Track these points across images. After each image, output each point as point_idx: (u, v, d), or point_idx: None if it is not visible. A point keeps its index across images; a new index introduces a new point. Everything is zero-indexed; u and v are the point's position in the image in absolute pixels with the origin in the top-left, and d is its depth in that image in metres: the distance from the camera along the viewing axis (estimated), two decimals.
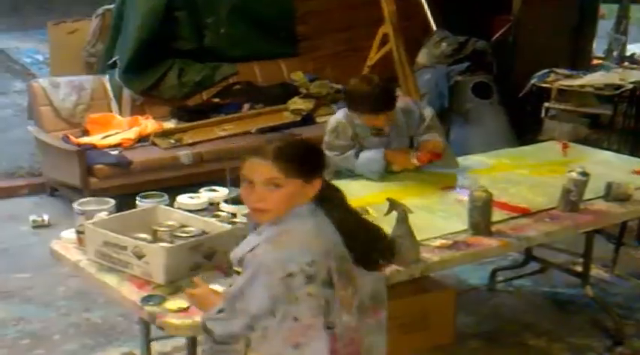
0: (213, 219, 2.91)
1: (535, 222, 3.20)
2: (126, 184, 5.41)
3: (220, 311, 2.14)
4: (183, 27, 6.47)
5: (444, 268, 3.05)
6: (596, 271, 4.48)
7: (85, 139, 5.81)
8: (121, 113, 6.23)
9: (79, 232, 2.82)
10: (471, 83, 6.66)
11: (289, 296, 2.04)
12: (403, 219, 2.72)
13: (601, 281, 4.49)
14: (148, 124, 6.06)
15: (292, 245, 2.08)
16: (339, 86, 6.72)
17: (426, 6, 7.41)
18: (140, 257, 2.57)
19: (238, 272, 2.47)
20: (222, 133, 6.12)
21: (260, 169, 2.11)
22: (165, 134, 5.99)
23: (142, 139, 5.92)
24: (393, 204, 2.71)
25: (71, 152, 5.50)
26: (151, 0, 6.22)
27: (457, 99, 6.64)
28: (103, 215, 2.86)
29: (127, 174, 5.54)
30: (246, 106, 6.48)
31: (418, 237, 2.80)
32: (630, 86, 5.74)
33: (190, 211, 2.99)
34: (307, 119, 6.38)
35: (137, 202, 3.08)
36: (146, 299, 2.45)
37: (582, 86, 6.03)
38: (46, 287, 4.47)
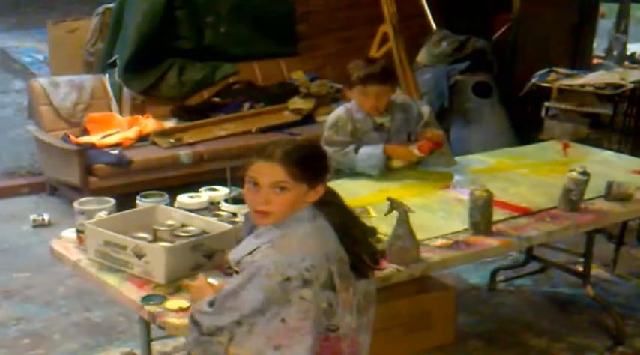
0: (213, 219, 2.91)
1: (535, 222, 3.20)
2: (126, 184, 5.41)
3: (211, 305, 2.15)
4: (183, 26, 6.46)
5: (444, 268, 3.05)
6: (596, 271, 4.48)
7: (85, 138, 5.81)
8: (121, 112, 6.23)
9: (79, 231, 2.82)
10: (471, 82, 6.66)
11: (282, 299, 2.05)
12: (404, 219, 2.72)
13: (601, 281, 4.49)
14: (148, 123, 6.06)
15: (292, 249, 2.09)
16: (339, 85, 6.72)
17: (426, 5, 7.40)
18: (140, 256, 2.57)
19: (237, 272, 2.48)
20: (223, 133, 6.11)
21: (268, 172, 2.12)
22: (166, 133, 5.99)
23: (142, 139, 5.91)
24: (394, 204, 2.71)
25: (71, 151, 5.50)
26: None
27: (457, 99, 6.64)
28: (103, 214, 2.86)
29: (127, 173, 5.54)
30: (246, 106, 6.48)
31: (419, 237, 2.80)
32: (631, 85, 5.73)
33: (190, 211, 2.99)
34: (307, 118, 6.38)
35: (137, 202, 3.08)
36: (146, 299, 2.45)
37: (583, 85, 6.01)
38: (46, 286, 4.47)
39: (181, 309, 2.39)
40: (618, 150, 5.12)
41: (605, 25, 8.50)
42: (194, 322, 2.18)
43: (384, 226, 2.83)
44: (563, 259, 4.44)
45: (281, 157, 2.11)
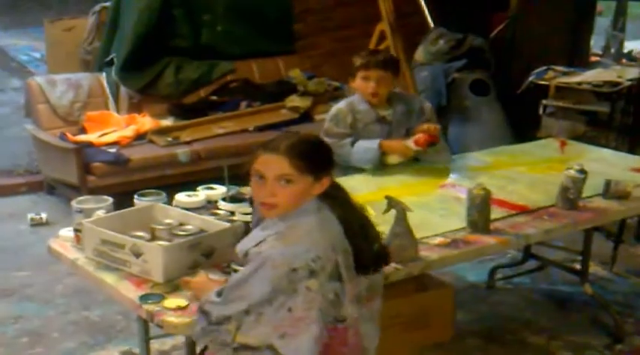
0: (211, 217, 2.91)
1: (534, 220, 3.20)
2: (123, 182, 5.41)
3: (219, 295, 2.18)
4: (180, 24, 6.45)
5: (442, 266, 3.04)
6: (595, 269, 4.48)
7: (82, 137, 5.80)
8: (118, 111, 6.22)
9: (76, 230, 2.82)
10: (468, 80, 6.65)
11: (289, 289, 2.07)
12: (402, 217, 2.72)
13: (600, 279, 4.49)
14: (146, 122, 6.06)
15: (299, 241, 2.12)
16: (337, 84, 6.73)
17: (423, 3, 7.40)
18: (138, 255, 2.57)
19: (236, 271, 2.49)
20: (220, 131, 6.11)
21: (273, 164, 2.15)
22: (163, 132, 5.98)
23: (140, 137, 5.91)
24: (392, 202, 2.71)
25: (68, 150, 5.49)
26: None
27: (455, 97, 6.63)
28: (101, 213, 2.86)
29: (125, 172, 5.53)
30: (243, 104, 6.47)
31: (417, 235, 2.80)
32: (628, 83, 5.74)
33: (188, 209, 2.99)
34: (305, 117, 6.38)
35: (135, 200, 3.08)
36: (144, 298, 2.45)
37: (580, 83, 6.02)
38: (44, 285, 4.46)
39: (179, 308, 2.38)
40: (616, 148, 5.13)
41: (602, 22, 8.51)
42: (203, 312, 2.20)
43: (383, 225, 2.82)
44: (561, 257, 4.44)
45: (286, 150, 2.14)
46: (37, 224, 5.39)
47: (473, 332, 3.91)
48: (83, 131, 5.96)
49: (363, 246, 2.25)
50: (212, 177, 3.53)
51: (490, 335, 3.90)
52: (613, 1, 8.53)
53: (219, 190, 3.26)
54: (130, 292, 2.51)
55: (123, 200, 3.16)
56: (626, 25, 8.44)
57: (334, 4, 7.24)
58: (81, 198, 3.07)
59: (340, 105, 3.85)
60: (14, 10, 10.74)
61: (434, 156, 3.81)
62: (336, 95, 6.41)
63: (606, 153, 4.34)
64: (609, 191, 3.43)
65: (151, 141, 5.88)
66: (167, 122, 6.20)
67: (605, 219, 3.58)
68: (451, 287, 3.85)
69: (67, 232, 2.91)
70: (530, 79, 6.30)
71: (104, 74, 6.29)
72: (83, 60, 6.61)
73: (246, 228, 2.86)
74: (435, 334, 3.71)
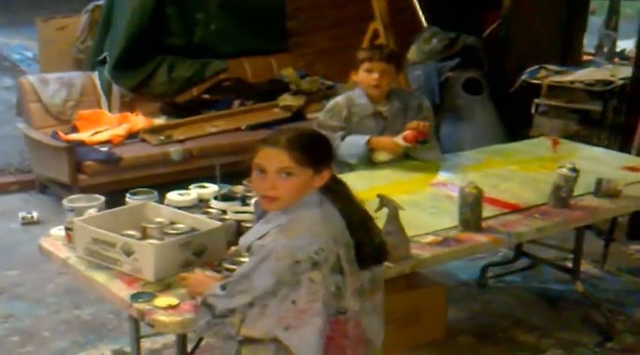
0: (203, 216, 2.90)
1: (525, 218, 3.21)
2: (115, 181, 5.41)
3: (223, 288, 2.20)
4: (173, 23, 6.44)
5: (434, 264, 3.05)
6: (586, 267, 4.49)
7: (74, 136, 5.79)
8: (110, 109, 6.21)
9: (68, 229, 2.81)
10: (461, 79, 6.66)
11: (292, 281, 2.09)
12: (394, 216, 2.72)
13: (591, 277, 4.50)
14: (138, 121, 6.05)
15: (301, 233, 2.14)
16: (330, 82, 6.73)
17: (416, 2, 7.40)
18: (129, 254, 2.56)
19: (228, 269, 2.49)
20: (213, 130, 6.10)
21: (274, 158, 2.17)
22: (155, 130, 5.97)
23: (132, 136, 5.90)
24: (384, 201, 2.71)
25: (60, 148, 5.48)
26: None
27: (448, 96, 6.64)
28: (93, 212, 2.85)
29: (117, 170, 5.52)
30: (236, 103, 6.47)
31: (408, 234, 2.80)
32: (620, 82, 5.75)
33: (180, 208, 2.98)
34: (297, 115, 6.37)
35: (126, 199, 3.07)
36: (135, 297, 2.44)
37: (572, 82, 6.03)
38: (35, 284, 4.45)
39: (170, 307, 2.38)
40: (608, 147, 5.14)
41: (595, 21, 8.53)
42: (207, 306, 2.21)
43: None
44: (552, 255, 4.45)
45: (286, 143, 2.17)
46: (28, 222, 5.38)
47: (465, 330, 3.91)
48: (75, 130, 5.94)
49: (364, 240, 2.27)
50: (204, 176, 3.53)
51: (482, 333, 3.90)
52: (606, 0, 8.55)
53: (211, 189, 3.26)
54: (121, 291, 2.50)
55: (114, 199, 3.16)
56: (618, 24, 8.47)
57: (327, 3, 7.23)
58: (72, 196, 3.07)
59: (338, 98, 3.90)
60: (6, 8, 10.70)
61: (424, 154, 3.83)
62: (328, 94, 6.41)
63: (598, 151, 4.35)
64: (601, 189, 3.44)
65: (144, 140, 5.87)
66: (159, 121, 6.19)
67: (597, 218, 3.58)
68: (443, 286, 3.87)
69: (59, 231, 2.90)
70: (523, 77, 6.31)
71: (97, 73, 6.28)
72: (76, 59, 6.59)
73: (238, 227, 2.86)
74: (427, 332, 3.72)
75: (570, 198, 3.33)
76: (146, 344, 3.49)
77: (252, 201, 2.94)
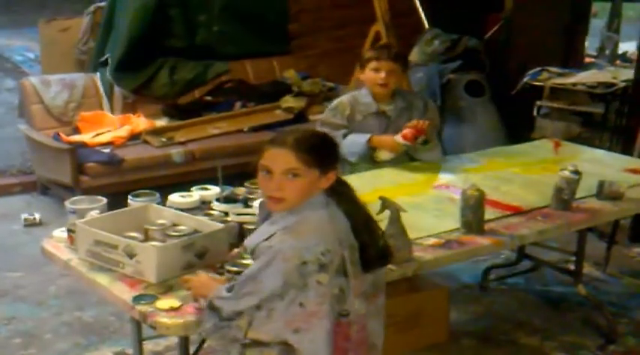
0: (205, 218, 2.90)
1: (527, 221, 3.20)
2: (117, 182, 5.40)
3: (230, 290, 2.19)
4: (175, 25, 6.45)
5: (436, 267, 3.04)
6: (588, 269, 4.49)
7: (76, 137, 5.79)
8: (112, 111, 6.21)
9: (70, 231, 2.81)
10: (463, 81, 6.66)
11: (299, 283, 2.09)
12: (396, 218, 2.72)
13: (593, 280, 4.50)
14: (140, 122, 6.05)
15: (308, 234, 2.14)
16: (332, 84, 6.73)
17: (418, 4, 7.40)
18: (131, 256, 2.56)
19: (230, 271, 2.48)
20: (215, 131, 6.10)
21: (280, 158, 2.17)
22: (157, 132, 5.97)
23: (134, 137, 5.90)
24: (386, 203, 2.71)
25: (62, 150, 5.48)
26: None
27: (449, 98, 6.64)
28: (95, 213, 2.85)
29: (119, 172, 5.53)
30: (238, 104, 6.47)
31: (411, 236, 2.80)
32: (622, 84, 5.74)
33: (182, 210, 2.98)
34: (299, 117, 6.37)
35: (129, 201, 3.07)
36: (137, 299, 2.44)
37: (574, 84, 6.03)
38: (37, 286, 4.45)
39: (172, 309, 2.38)
40: (610, 149, 5.14)
41: (597, 24, 8.53)
42: (213, 308, 2.21)
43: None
44: (555, 258, 4.44)
45: (293, 144, 2.16)
46: (30, 224, 5.38)
47: (467, 333, 3.91)
48: (77, 131, 5.94)
49: (368, 242, 2.27)
50: (206, 178, 3.53)
51: (484, 336, 3.90)
52: (608, 3, 8.54)
53: (213, 191, 3.25)
54: (124, 293, 2.50)
55: (116, 200, 3.16)
56: (620, 27, 8.47)
57: (329, 5, 7.23)
58: (74, 198, 3.07)
59: (343, 97, 3.93)
60: (8, 10, 10.72)
61: (425, 155, 3.85)
62: (330, 95, 6.40)
63: (600, 154, 4.35)
64: (603, 192, 3.44)
65: (145, 142, 5.87)
66: (161, 122, 6.20)
67: (599, 220, 3.58)
68: (445, 288, 3.87)
69: (61, 233, 2.90)
70: (525, 79, 6.30)
71: (98, 74, 6.28)
72: (78, 60, 6.59)
73: (240, 229, 2.86)
74: (429, 335, 3.72)
75: (572, 201, 3.32)
76: (148, 346, 3.48)
77: (256, 202, 2.94)
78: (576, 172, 3.29)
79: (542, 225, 3.18)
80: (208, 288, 2.32)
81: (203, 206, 3.15)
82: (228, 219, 2.96)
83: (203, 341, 3.18)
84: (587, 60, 7.55)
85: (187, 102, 6.45)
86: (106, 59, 6.26)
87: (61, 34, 6.60)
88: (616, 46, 8.40)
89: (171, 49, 6.45)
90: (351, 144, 3.75)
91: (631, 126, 5.38)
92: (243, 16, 6.73)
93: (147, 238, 2.72)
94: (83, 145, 5.64)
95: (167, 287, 2.51)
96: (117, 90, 6.23)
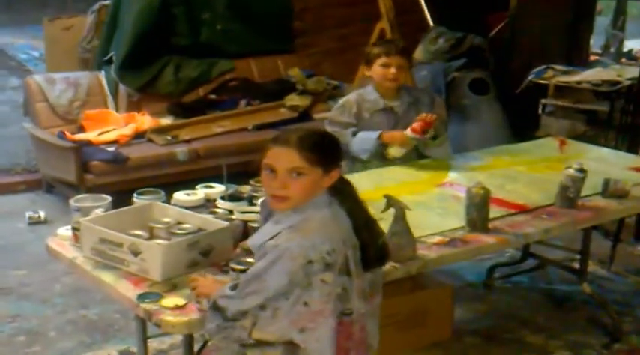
0: (209, 216, 2.90)
1: (532, 219, 3.20)
2: (122, 181, 5.41)
3: (233, 288, 2.19)
4: (180, 23, 6.45)
5: (441, 265, 3.04)
6: (593, 268, 4.48)
7: (80, 136, 5.79)
8: (117, 109, 6.22)
9: (75, 229, 2.81)
10: (467, 79, 6.65)
11: (304, 282, 2.09)
12: (400, 216, 2.72)
13: (598, 278, 4.49)
14: (144, 121, 6.05)
15: (314, 233, 2.13)
16: (336, 82, 6.72)
17: (423, 2, 7.39)
18: (136, 254, 2.56)
19: (235, 269, 2.48)
20: (219, 130, 6.10)
21: (284, 157, 2.16)
22: (162, 130, 5.98)
23: (138, 136, 5.91)
24: (391, 201, 2.71)
25: (67, 148, 5.49)
26: None
27: (454, 96, 6.64)
28: (99, 212, 2.85)
29: (123, 170, 5.53)
30: (242, 103, 6.47)
31: (415, 234, 2.80)
32: (628, 82, 5.73)
33: (187, 208, 2.98)
34: (304, 116, 6.37)
35: (133, 199, 3.07)
36: (142, 297, 2.44)
37: (579, 82, 6.02)
38: (42, 283, 4.46)
39: (177, 307, 2.38)
40: (615, 147, 5.13)
41: (602, 21, 8.50)
42: (217, 308, 2.20)
43: (382, 224, 2.81)
44: (559, 256, 4.44)
45: (296, 143, 2.16)
46: (35, 222, 5.39)
47: (471, 331, 3.91)
48: (82, 130, 5.95)
49: (369, 241, 2.27)
50: (211, 176, 3.53)
51: (488, 334, 3.90)
52: (612, 1, 8.53)
53: (218, 189, 3.26)
54: (128, 291, 2.51)
55: (121, 199, 3.16)
56: (625, 25, 8.45)
57: (334, 3, 7.23)
58: (79, 196, 3.08)
59: (349, 96, 3.94)
60: (13, 8, 10.73)
61: (435, 150, 3.85)
62: (334, 94, 6.41)
63: (605, 152, 4.34)
64: (608, 190, 3.43)
65: (150, 140, 5.87)
66: (166, 121, 6.20)
67: (604, 218, 3.58)
68: (449, 286, 3.87)
69: (66, 231, 2.91)
70: (530, 78, 6.30)
71: (103, 73, 6.29)
72: (82, 58, 6.60)
73: (245, 227, 2.86)
74: (433, 333, 3.72)
75: (577, 199, 3.32)
76: (153, 344, 3.49)
77: (259, 201, 2.94)
78: (581, 170, 3.29)
79: (547, 224, 3.17)
80: (213, 289, 2.31)
81: (208, 204, 3.15)
82: (233, 217, 2.96)
83: (207, 339, 3.18)
84: (592, 58, 7.53)
85: (192, 100, 6.46)
86: (111, 57, 6.27)
87: (65, 32, 6.61)
88: (621, 43, 8.38)
89: (176, 48, 6.46)
90: (362, 141, 3.75)
91: (636, 124, 5.37)
92: (247, 14, 6.73)
93: (152, 236, 2.73)
94: (88, 143, 5.64)
95: (172, 285, 2.51)
96: (121, 88, 6.24)
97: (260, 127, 6.13)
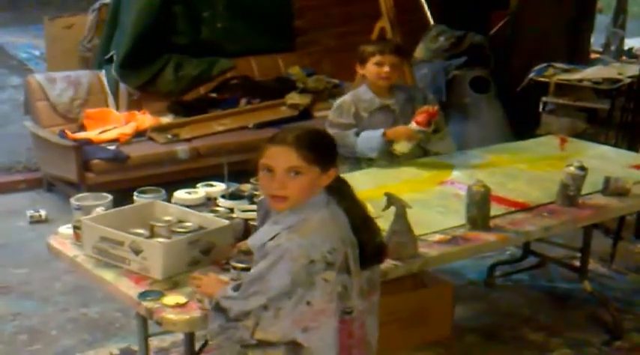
0: (210, 214, 2.91)
1: (533, 217, 3.20)
2: (123, 179, 5.41)
3: (236, 289, 2.18)
4: (180, 21, 6.45)
5: (442, 263, 3.05)
6: (594, 266, 4.48)
7: (81, 134, 5.80)
8: (117, 108, 6.22)
9: (76, 227, 2.81)
10: (468, 77, 6.65)
11: (307, 282, 2.09)
12: (401, 214, 2.72)
13: (599, 276, 4.49)
14: (145, 119, 6.05)
15: (314, 233, 2.13)
16: (336, 81, 6.72)
17: (423, 0, 7.39)
18: (137, 252, 2.56)
19: (236, 268, 2.48)
20: (220, 128, 6.10)
21: (282, 157, 2.16)
22: (162, 129, 5.98)
23: (139, 134, 5.91)
24: (392, 199, 2.71)
25: (68, 147, 5.49)
26: None
27: (455, 94, 6.63)
28: (100, 210, 2.86)
29: (124, 169, 5.53)
30: (243, 101, 6.47)
31: (416, 232, 2.80)
32: (628, 80, 5.73)
33: (188, 206, 2.98)
34: (304, 114, 6.37)
35: (134, 197, 3.07)
36: (143, 295, 2.45)
37: (580, 80, 6.02)
38: (43, 282, 4.46)
39: (178, 305, 2.38)
40: (616, 145, 5.12)
41: (602, 20, 8.50)
42: (219, 309, 2.20)
43: (382, 222, 2.82)
44: (560, 254, 4.44)
45: (293, 142, 2.15)
46: (36, 221, 5.39)
47: (472, 330, 3.91)
48: (82, 128, 5.95)
49: (366, 239, 2.27)
50: (211, 174, 3.53)
51: (489, 332, 3.90)
52: None
53: (219, 187, 3.25)
54: (129, 289, 2.51)
55: (122, 197, 3.16)
56: (626, 23, 8.44)
57: (334, 1, 7.22)
58: (80, 195, 3.08)
59: (345, 97, 3.94)
60: (14, 7, 10.73)
61: (438, 145, 3.87)
62: (335, 92, 6.40)
63: (606, 150, 4.34)
64: (609, 188, 3.43)
65: (151, 139, 5.87)
66: (167, 119, 6.20)
67: (605, 216, 3.58)
68: (450, 285, 3.87)
69: (66, 229, 2.91)
70: (530, 76, 6.30)
71: (104, 71, 6.29)
72: (83, 57, 6.60)
73: (246, 225, 2.86)
74: (434, 331, 3.72)
75: (578, 197, 3.32)
76: (154, 342, 3.49)
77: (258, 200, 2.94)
78: (582, 168, 3.29)
79: (548, 222, 3.18)
80: (215, 288, 2.31)
81: (208, 202, 3.14)
82: (234, 215, 2.96)
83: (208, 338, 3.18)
84: (593, 56, 7.53)
85: (192, 98, 6.46)
86: (111, 56, 6.27)
87: (65, 31, 6.61)
88: (621, 42, 8.38)
89: (176, 46, 6.46)
90: (367, 140, 3.75)
91: (637, 122, 5.37)
92: (247, 12, 6.72)
93: (152, 234, 2.73)
94: (88, 142, 5.65)
95: (173, 283, 2.51)
96: (122, 87, 6.24)
97: (260, 126, 6.13)
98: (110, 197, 2.99)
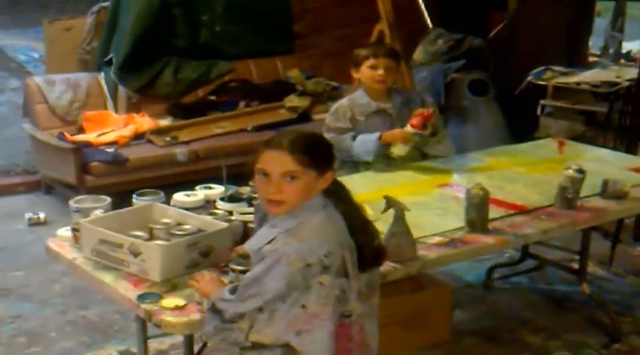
0: (209, 217, 2.91)
1: (532, 220, 3.21)
2: (122, 182, 5.41)
3: (232, 292, 2.19)
4: (179, 24, 6.45)
5: (440, 265, 3.05)
6: (592, 268, 4.48)
7: (80, 137, 5.80)
8: (116, 111, 6.22)
9: (74, 230, 2.82)
10: (467, 80, 6.66)
11: (302, 285, 2.09)
12: (400, 217, 2.72)
13: (598, 279, 4.49)
14: (144, 122, 6.06)
15: (311, 236, 2.13)
16: (335, 84, 6.73)
17: (422, 3, 7.40)
18: (136, 255, 2.57)
19: (234, 270, 2.48)
20: (218, 131, 6.11)
21: (277, 161, 2.16)
22: (161, 132, 5.98)
23: (138, 137, 5.91)
24: (390, 202, 2.71)
25: (66, 150, 5.49)
26: None
27: (453, 97, 6.64)
28: (99, 213, 2.86)
29: (123, 171, 5.53)
30: (242, 104, 6.47)
31: (415, 235, 2.80)
32: (626, 83, 5.74)
33: (186, 209, 2.99)
34: (303, 117, 6.38)
35: (133, 200, 3.08)
36: (142, 297, 2.45)
37: (578, 83, 6.02)
38: (42, 284, 4.46)
39: (177, 307, 2.39)
40: (614, 148, 5.13)
41: (601, 23, 8.51)
42: (215, 310, 2.20)
43: (381, 224, 2.82)
44: (559, 257, 4.44)
45: (289, 146, 2.15)
46: (34, 223, 5.39)
47: (470, 332, 3.91)
48: (81, 131, 5.96)
49: (364, 242, 2.27)
50: (210, 177, 3.53)
51: (488, 335, 3.90)
52: (611, 2, 8.52)
53: (218, 190, 3.26)
54: (128, 291, 2.51)
55: (121, 199, 3.17)
56: (624, 26, 8.44)
57: (333, 4, 7.22)
58: (79, 197, 3.08)
59: (342, 101, 3.94)
60: (13, 10, 10.74)
61: (436, 148, 3.87)
62: (334, 95, 6.40)
63: (604, 153, 4.34)
64: (607, 191, 3.44)
65: (150, 141, 5.88)
66: (165, 122, 6.20)
67: (603, 219, 3.58)
68: (449, 287, 3.87)
69: (65, 232, 2.91)
70: (529, 79, 6.30)
71: (103, 74, 6.29)
72: (82, 60, 6.60)
73: (245, 228, 2.86)
74: (432, 333, 3.73)
75: (577, 200, 3.33)
76: (153, 344, 3.49)
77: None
78: (580, 171, 3.30)
79: (547, 224, 3.18)
80: (213, 287, 2.31)
81: (207, 205, 3.16)
82: (233, 218, 2.97)
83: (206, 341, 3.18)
84: (591, 59, 7.53)
85: (191, 101, 6.46)
86: (110, 59, 6.27)
87: (64, 33, 6.61)
88: (620, 45, 8.37)
89: (175, 49, 6.46)
90: (363, 144, 3.75)
91: (635, 125, 5.38)
92: (246, 15, 6.73)
93: (151, 237, 2.73)
94: (87, 145, 5.65)
95: (172, 285, 2.51)
96: (121, 89, 6.24)
97: (259, 128, 6.13)
98: (109, 199, 2.99)
